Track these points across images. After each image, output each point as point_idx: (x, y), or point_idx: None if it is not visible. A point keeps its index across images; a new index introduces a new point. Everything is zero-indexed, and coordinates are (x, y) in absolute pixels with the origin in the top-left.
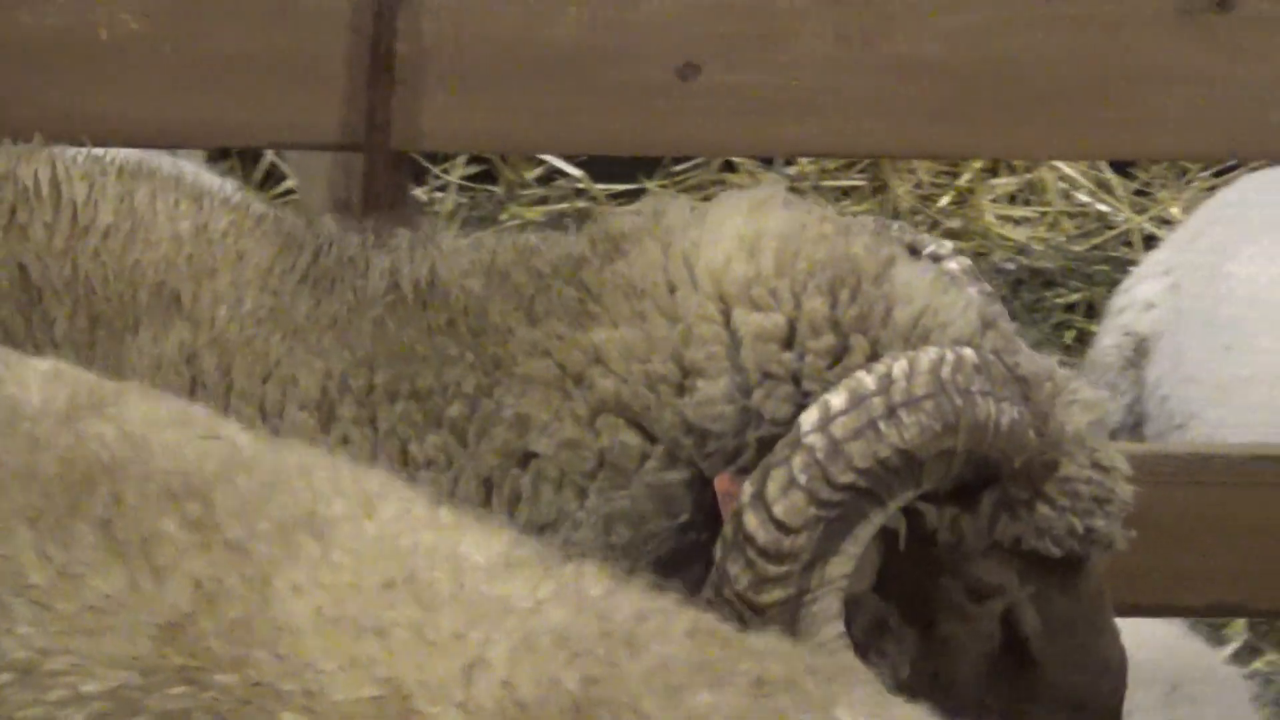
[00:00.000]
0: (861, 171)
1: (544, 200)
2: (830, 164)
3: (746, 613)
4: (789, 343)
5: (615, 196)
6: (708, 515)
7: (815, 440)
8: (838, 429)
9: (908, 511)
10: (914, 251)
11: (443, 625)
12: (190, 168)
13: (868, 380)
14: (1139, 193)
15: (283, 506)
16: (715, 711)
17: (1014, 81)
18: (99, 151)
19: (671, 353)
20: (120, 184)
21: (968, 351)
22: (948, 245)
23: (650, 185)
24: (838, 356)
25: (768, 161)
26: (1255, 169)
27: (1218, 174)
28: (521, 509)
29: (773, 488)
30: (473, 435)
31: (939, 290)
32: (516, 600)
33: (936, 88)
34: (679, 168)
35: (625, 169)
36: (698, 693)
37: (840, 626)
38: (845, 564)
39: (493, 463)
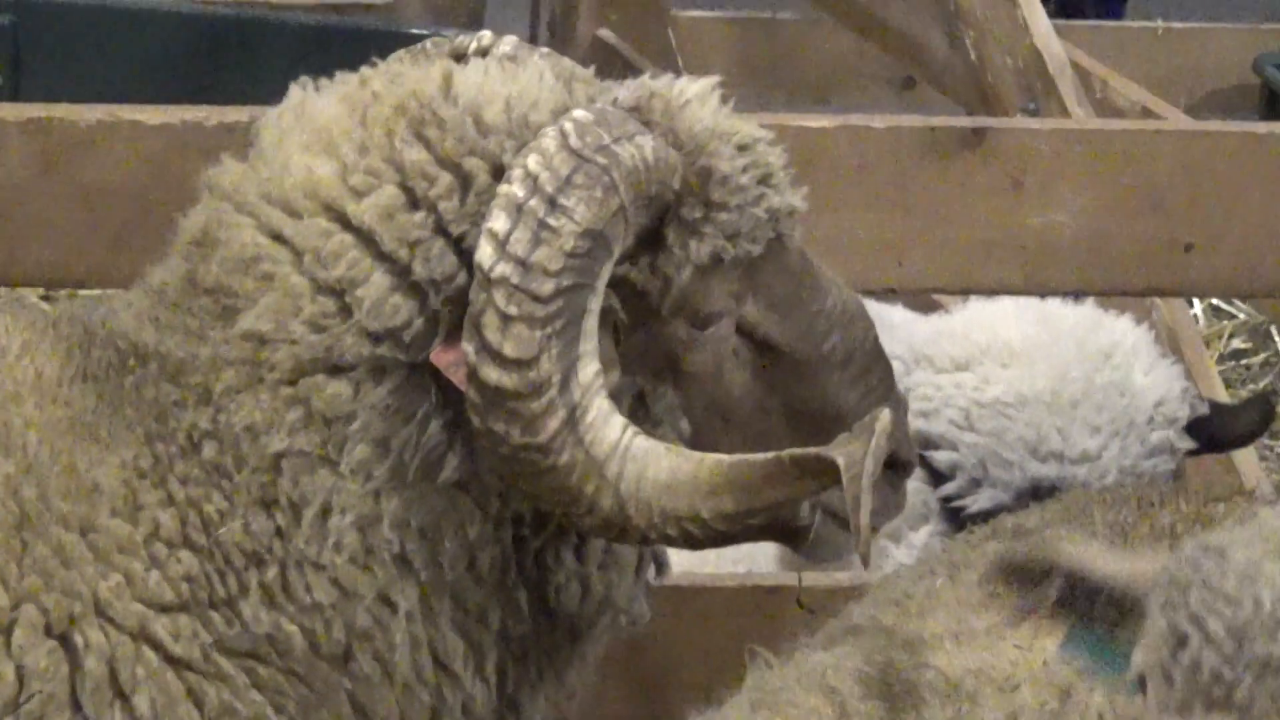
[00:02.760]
0: None
1: None
2: None
3: (537, 457)
4: (414, 204)
5: None
6: (442, 397)
7: (503, 269)
8: (516, 248)
9: (611, 283)
10: (460, 57)
11: None
12: None
13: (514, 189)
14: None
15: None
16: None
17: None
18: None
19: (315, 288)
20: None
21: (578, 112)
22: (487, 35)
23: None
24: (464, 189)
25: None
26: None
27: None
28: (304, 513)
29: (490, 334)
30: (233, 467)
31: (508, 77)
32: None
33: (120, 214)
34: None
35: None
36: None
37: (620, 421)
38: (591, 362)
39: (257, 483)
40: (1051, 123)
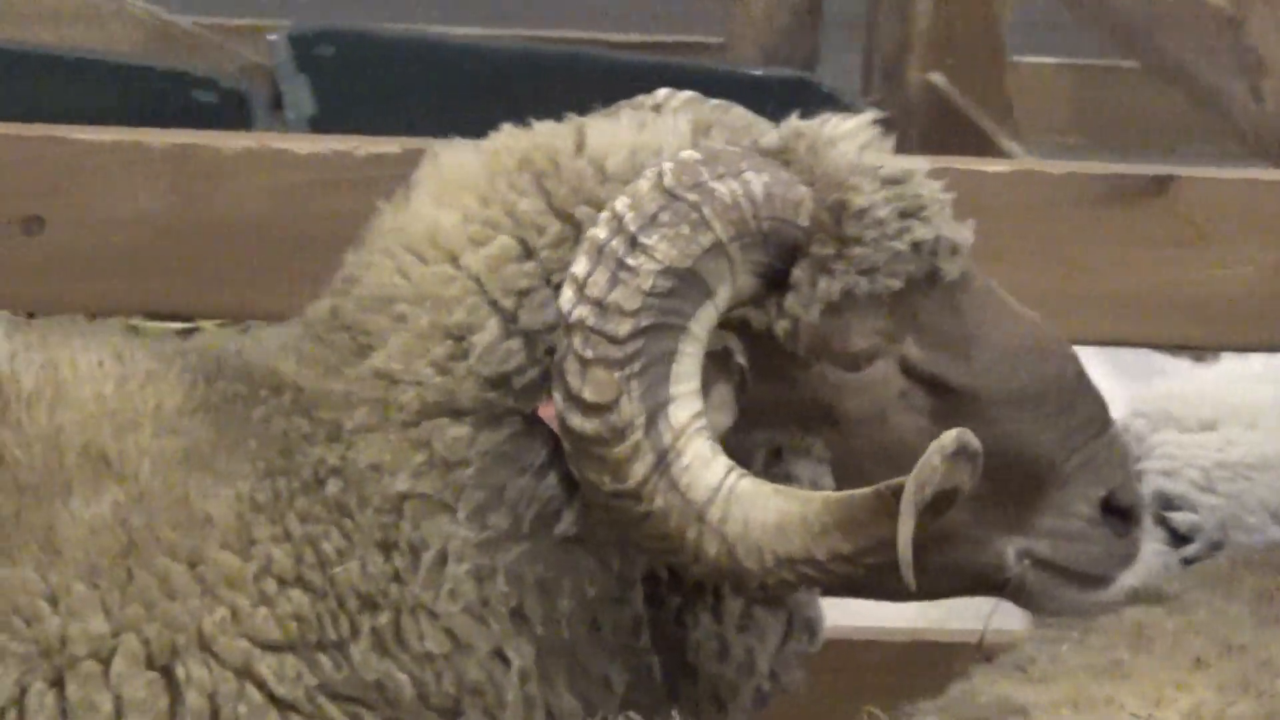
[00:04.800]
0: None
1: None
2: None
3: (629, 504)
4: (527, 254)
5: None
6: (556, 448)
7: (580, 312)
8: (593, 290)
9: (733, 328)
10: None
11: None
12: None
13: (598, 231)
14: None
15: None
16: None
17: (330, 242)
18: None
19: (440, 332)
20: (44, 351)
21: (685, 153)
22: (663, 92)
23: None
24: (576, 238)
25: None
26: None
27: None
28: (422, 557)
29: (572, 379)
30: (355, 506)
31: (640, 127)
32: None
33: (257, 248)
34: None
35: None
36: None
37: (724, 464)
38: (689, 405)
39: (378, 524)
40: (1239, 173)
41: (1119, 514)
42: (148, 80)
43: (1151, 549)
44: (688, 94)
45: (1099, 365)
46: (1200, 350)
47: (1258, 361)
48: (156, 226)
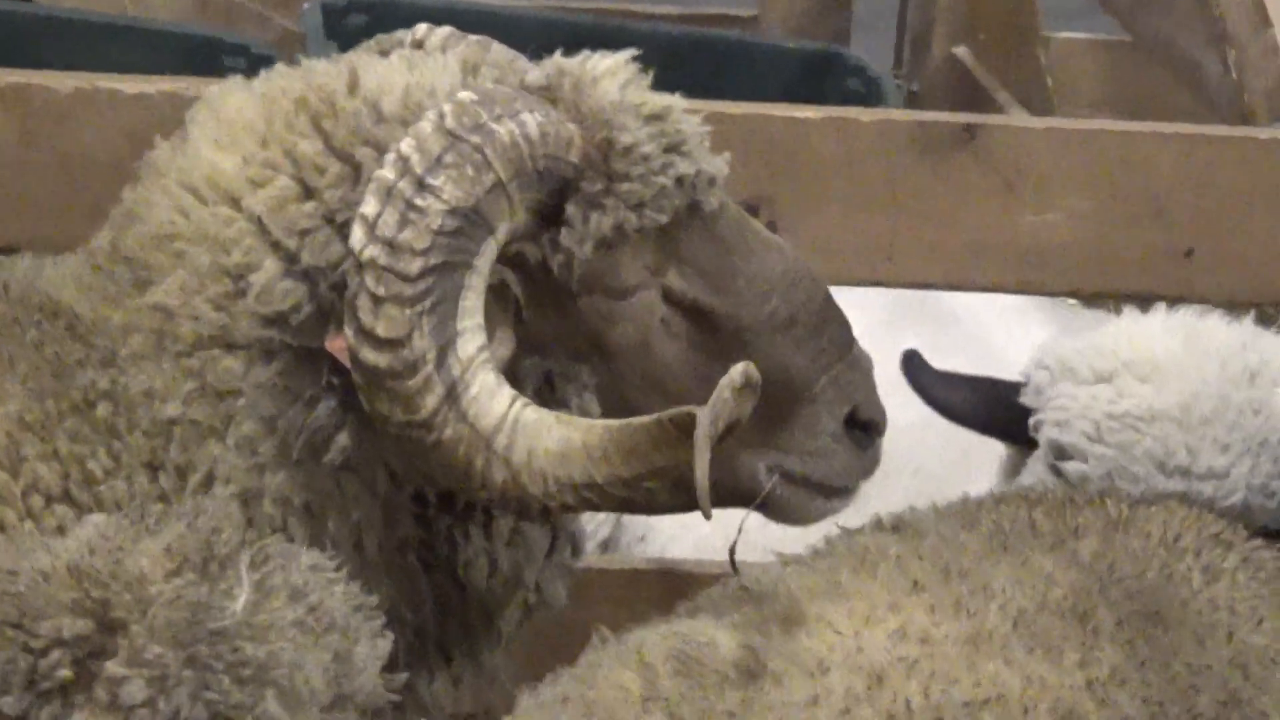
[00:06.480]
0: None
1: None
2: None
3: (420, 434)
4: (307, 195)
5: None
6: (336, 381)
7: (371, 251)
8: (384, 229)
9: (509, 262)
10: (385, 54)
11: None
12: None
13: (386, 173)
14: None
15: None
16: None
17: None
18: None
19: (217, 270)
20: None
21: (462, 94)
22: (423, 27)
23: None
24: (355, 178)
25: None
26: None
27: None
28: (189, 479)
29: (364, 315)
30: (124, 428)
31: (410, 67)
32: None
33: (95, 184)
34: None
35: None
36: None
37: (509, 395)
38: (475, 338)
39: (147, 446)
40: (1046, 122)
41: (862, 427)
42: (179, 46)
43: None
44: (447, 30)
45: (1044, 323)
46: (1015, 294)
47: (1158, 316)
48: (5, 168)
